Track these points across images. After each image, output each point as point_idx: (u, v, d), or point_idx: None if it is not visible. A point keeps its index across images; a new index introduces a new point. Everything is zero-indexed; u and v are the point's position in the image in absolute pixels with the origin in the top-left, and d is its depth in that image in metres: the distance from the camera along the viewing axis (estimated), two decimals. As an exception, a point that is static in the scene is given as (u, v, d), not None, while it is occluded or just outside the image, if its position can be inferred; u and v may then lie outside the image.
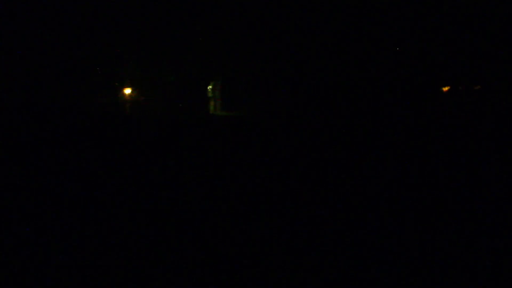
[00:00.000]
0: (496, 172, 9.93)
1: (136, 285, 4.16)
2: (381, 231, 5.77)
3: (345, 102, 21.46)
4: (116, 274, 4.37)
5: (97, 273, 4.39)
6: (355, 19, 22.39)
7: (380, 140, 14.71)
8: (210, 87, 22.67)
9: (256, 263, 4.63)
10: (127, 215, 6.49)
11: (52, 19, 23.35)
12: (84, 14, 23.75)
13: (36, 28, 24.40)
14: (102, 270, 4.46)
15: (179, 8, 23.32)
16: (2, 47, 24.08)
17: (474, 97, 21.95)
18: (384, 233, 5.69)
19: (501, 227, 5.80)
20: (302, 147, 13.54)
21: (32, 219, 6.10)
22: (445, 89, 23.78)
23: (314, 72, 22.13)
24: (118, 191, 8.03)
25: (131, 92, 24.47)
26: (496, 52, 21.30)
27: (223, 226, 6.01)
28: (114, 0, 23.19)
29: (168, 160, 11.21)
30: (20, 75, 23.04)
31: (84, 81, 23.33)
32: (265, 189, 8.18)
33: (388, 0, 22.05)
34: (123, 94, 24.53)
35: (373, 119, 20.25)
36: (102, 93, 23.79)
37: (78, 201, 7.10)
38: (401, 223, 6.13)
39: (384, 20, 22.26)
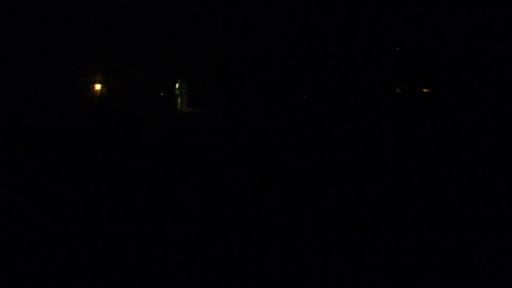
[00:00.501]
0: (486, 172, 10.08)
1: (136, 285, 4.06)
2: (379, 232, 5.74)
3: (294, 101, 23.87)
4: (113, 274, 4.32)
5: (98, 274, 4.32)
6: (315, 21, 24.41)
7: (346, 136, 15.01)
8: (177, 86, 24.57)
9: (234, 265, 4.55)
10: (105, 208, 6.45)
11: (31, 21, 24.42)
12: (62, 15, 24.95)
13: (16, 31, 25.40)
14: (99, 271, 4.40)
15: (149, 11, 24.97)
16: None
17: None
18: (382, 234, 5.65)
19: (474, 230, 5.79)
20: (255, 139, 14.61)
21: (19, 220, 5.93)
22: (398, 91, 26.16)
23: (265, 74, 24.33)
24: (90, 181, 8.06)
25: (102, 88, 25.96)
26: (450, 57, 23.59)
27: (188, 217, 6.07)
28: (91, 2, 24.50)
29: (138, 150, 11.69)
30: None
31: (60, 78, 24.62)
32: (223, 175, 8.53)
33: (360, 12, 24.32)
34: (94, 90, 25.98)
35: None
36: (76, 88, 25.14)
37: (52, 198, 6.88)
38: (395, 226, 6.08)
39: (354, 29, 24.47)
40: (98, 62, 25.67)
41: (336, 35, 24.67)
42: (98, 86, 25.99)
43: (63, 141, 13.60)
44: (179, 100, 24.71)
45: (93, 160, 10.46)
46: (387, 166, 11.46)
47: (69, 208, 6.30)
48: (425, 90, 24.78)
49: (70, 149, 11.86)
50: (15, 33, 25.49)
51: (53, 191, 7.30)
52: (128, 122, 19.54)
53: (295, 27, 24.95)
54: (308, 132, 17.20)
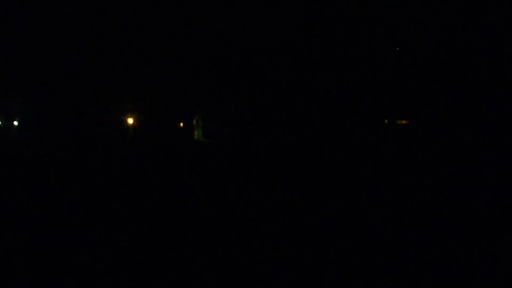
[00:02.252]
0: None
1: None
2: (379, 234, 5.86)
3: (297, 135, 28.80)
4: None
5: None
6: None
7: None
8: (195, 121, 30.47)
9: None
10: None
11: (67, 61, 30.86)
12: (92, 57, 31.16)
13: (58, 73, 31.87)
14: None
15: (168, 57, 30.99)
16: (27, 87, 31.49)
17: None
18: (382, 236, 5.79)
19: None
20: (261, 165, 16.23)
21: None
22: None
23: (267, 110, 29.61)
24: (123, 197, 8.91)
25: (133, 121, 32.04)
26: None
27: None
28: (115, 46, 30.58)
29: (163, 172, 13.70)
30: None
31: (98, 110, 30.85)
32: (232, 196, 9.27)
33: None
34: (126, 122, 32.07)
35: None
36: (110, 119, 31.27)
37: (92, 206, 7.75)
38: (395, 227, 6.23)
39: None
40: (131, 101, 31.77)
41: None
42: (130, 120, 32.09)
43: (106, 161, 17.58)
44: (195, 131, 30.54)
45: (130, 171, 13.41)
46: (388, 167, 12.20)
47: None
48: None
49: (111, 171, 13.96)
50: (63, 80, 31.92)
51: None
52: (155, 147, 24.94)
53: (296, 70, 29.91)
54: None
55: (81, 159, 18.17)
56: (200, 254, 5.15)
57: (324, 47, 28.44)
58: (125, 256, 5.01)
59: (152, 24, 30.12)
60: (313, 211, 7.45)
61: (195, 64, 31.00)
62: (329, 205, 7.85)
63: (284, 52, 29.97)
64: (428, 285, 4.19)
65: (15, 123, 42.28)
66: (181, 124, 32.38)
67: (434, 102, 25.91)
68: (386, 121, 29.40)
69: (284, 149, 25.23)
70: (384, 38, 27.11)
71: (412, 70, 26.67)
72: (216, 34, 29.80)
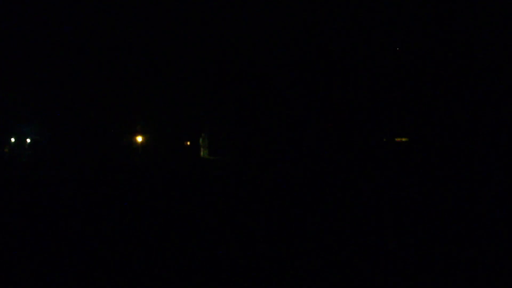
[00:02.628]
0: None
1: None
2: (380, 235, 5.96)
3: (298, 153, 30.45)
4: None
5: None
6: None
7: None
8: (201, 139, 32.13)
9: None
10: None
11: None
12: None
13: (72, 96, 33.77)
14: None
15: (177, 83, 32.92)
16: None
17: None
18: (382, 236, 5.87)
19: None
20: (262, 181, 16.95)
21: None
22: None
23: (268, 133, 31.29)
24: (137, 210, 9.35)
25: (143, 139, 33.76)
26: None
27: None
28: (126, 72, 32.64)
29: (173, 187, 14.79)
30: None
31: (110, 131, 32.71)
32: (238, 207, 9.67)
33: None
34: (136, 141, 33.79)
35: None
36: (122, 139, 33.05)
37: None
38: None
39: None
40: (141, 123, 33.58)
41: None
42: (139, 138, 33.81)
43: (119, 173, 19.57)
44: (202, 149, 32.16)
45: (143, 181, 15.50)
46: (388, 169, 13.55)
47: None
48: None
49: (126, 184, 15.23)
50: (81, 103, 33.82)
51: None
52: (164, 163, 26.60)
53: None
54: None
55: (94, 175, 19.24)
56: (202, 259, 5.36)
57: (328, 67, 29.94)
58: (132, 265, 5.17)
59: (163, 51, 32.12)
60: (314, 227, 7.46)
61: (201, 89, 32.84)
62: (330, 219, 7.90)
63: (285, 75, 31.77)
64: (428, 285, 4.15)
65: (28, 140, 44.16)
66: (188, 143, 34.01)
67: (433, 118, 25.97)
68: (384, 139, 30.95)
69: (283, 166, 26.59)
70: (385, 48, 28.13)
71: (409, 86, 27.27)
72: (220, 58, 31.72)
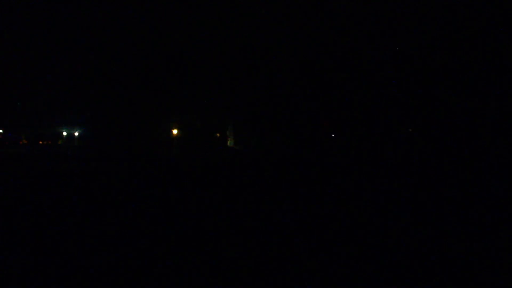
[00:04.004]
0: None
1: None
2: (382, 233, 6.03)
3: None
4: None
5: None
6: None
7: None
8: (228, 131, 37.72)
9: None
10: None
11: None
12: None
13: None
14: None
15: (207, 85, 38.36)
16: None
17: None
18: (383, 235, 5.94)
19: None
20: (283, 169, 17.71)
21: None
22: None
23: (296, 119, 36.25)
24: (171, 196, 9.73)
25: (178, 132, 39.62)
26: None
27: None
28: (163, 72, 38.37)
29: (202, 172, 16.39)
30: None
31: (149, 126, 38.81)
32: (258, 194, 10.01)
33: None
34: (173, 133, 39.70)
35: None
36: (159, 131, 39.07)
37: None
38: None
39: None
40: (178, 118, 39.45)
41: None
42: (175, 131, 39.71)
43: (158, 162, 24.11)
44: (228, 140, 37.77)
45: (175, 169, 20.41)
46: (388, 168, 13.04)
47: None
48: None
49: (162, 172, 16.75)
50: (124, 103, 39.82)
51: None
52: (198, 151, 32.06)
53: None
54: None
55: (136, 162, 21.87)
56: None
57: (343, 67, 33.44)
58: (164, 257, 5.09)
59: (200, 57, 37.56)
60: (325, 212, 7.60)
61: (229, 88, 38.25)
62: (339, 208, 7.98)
63: (304, 74, 36.45)
64: (428, 285, 4.16)
65: (76, 134, 50.69)
66: (218, 134, 39.74)
67: (436, 111, 26.98)
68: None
69: (299, 155, 30.61)
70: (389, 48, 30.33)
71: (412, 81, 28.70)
72: (244, 63, 36.91)
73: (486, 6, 24.02)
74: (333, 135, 35.97)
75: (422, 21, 27.96)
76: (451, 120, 25.76)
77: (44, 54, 47.75)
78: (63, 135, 50.69)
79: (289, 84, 36.57)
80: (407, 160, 21.19)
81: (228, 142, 38.03)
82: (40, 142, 52.39)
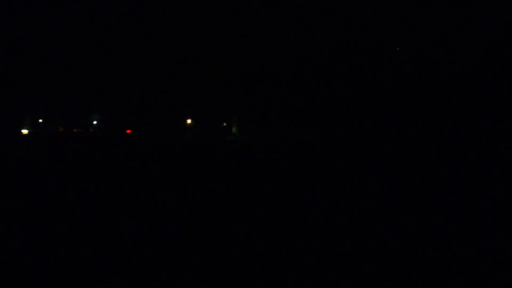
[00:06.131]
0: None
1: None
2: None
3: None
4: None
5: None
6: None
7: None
8: (233, 120, 42.85)
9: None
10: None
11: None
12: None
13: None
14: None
15: (214, 80, 43.45)
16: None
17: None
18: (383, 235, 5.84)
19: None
20: (285, 158, 18.30)
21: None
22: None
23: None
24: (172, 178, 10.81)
25: (191, 121, 45.29)
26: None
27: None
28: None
29: (206, 158, 18.43)
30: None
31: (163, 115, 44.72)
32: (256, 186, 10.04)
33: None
34: (187, 122, 45.44)
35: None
36: (171, 121, 44.95)
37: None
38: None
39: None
40: (190, 108, 44.99)
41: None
42: (189, 120, 45.34)
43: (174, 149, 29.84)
44: (233, 128, 42.86)
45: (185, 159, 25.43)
46: (388, 168, 12.73)
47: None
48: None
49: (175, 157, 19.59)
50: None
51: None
52: (207, 138, 37.16)
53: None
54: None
55: (151, 151, 24.34)
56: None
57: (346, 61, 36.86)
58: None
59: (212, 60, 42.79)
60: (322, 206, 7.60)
61: (234, 80, 43.25)
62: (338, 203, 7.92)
63: (306, 70, 40.71)
64: (428, 285, 4.14)
65: (94, 122, 57.12)
66: (224, 124, 44.99)
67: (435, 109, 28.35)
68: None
69: (299, 147, 32.52)
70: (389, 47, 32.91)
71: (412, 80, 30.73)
72: (250, 59, 41.74)
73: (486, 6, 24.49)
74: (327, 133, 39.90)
75: (420, 21, 30.04)
76: (451, 120, 26.45)
77: (78, 56, 54.53)
78: (93, 123, 57.16)
79: (289, 81, 40.77)
80: (406, 160, 20.66)
81: (233, 130, 43.14)
82: (75, 130, 58.73)
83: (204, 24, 46.45)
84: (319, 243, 5.41)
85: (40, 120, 58.93)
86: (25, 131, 52.65)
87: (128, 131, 48.94)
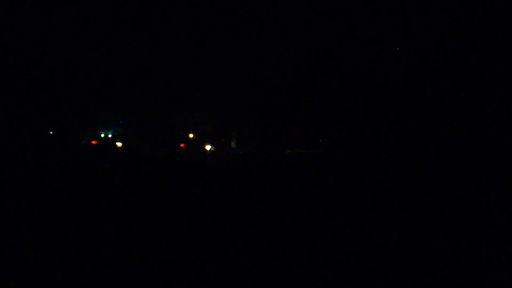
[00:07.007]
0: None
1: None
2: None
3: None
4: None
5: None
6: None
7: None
8: (232, 134, 45.25)
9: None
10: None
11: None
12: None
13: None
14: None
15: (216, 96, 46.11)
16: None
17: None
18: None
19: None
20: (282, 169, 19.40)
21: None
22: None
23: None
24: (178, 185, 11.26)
25: (193, 136, 48.16)
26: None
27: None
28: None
29: (206, 170, 19.63)
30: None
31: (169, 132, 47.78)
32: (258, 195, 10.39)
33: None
34: (190, 137, 48.32)
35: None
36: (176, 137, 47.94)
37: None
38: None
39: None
40: (192, 124, 47.84)
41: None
42: (191, 135, 48.22)
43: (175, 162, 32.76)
44: (232, 143, 45.25)
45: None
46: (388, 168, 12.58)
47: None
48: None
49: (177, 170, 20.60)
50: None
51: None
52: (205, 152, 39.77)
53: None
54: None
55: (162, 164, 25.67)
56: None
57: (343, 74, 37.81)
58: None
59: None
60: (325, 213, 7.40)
61: (233, 97, 45.76)
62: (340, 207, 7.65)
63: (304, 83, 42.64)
64: (428, 285, 4.08)
65: (110, 135, 60.71)
66: (223, 139, 47.50)
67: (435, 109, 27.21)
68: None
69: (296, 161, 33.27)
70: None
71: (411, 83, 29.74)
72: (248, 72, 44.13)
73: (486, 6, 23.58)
74: (320, 140, 41.70)
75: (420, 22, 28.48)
76: (450, 120, 25.59)
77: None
78: (108, 136, 61.12)
79: (287, 92, 42.65)
80: (404, 161, 20.75)
81: (232, 145, 45.53)
82: (94, 142, 62.18)
83: (201, 41, 49.48)
84: (319, 242, 5.47)
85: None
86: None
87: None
